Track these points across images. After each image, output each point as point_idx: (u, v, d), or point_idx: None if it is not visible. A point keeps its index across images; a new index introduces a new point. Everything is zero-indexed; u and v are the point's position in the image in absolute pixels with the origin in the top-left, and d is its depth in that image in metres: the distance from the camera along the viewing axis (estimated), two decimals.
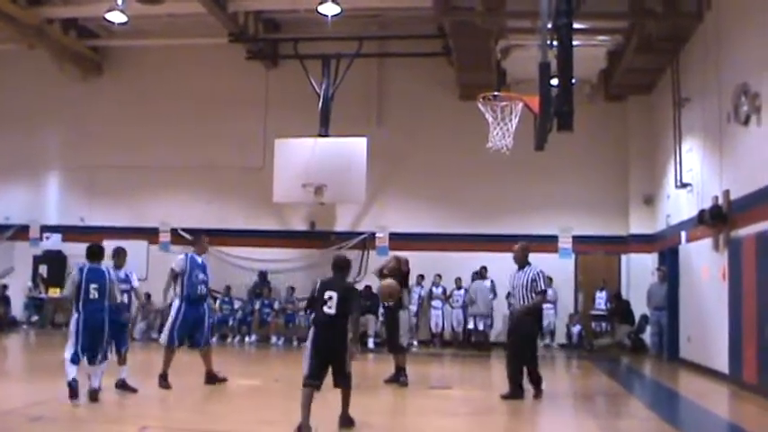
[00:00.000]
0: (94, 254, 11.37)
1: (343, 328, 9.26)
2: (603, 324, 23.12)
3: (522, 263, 12.92)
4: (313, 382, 9.11)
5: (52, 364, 16.88)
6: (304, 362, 9.21)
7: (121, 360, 12.15)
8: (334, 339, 9.26)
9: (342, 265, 9.86)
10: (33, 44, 24.51)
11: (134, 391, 12.00)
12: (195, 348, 13.06)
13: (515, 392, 12.59)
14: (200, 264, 13.21)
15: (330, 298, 9.29)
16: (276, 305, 23.76)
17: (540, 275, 12.68)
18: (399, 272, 14.46)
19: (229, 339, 23.23)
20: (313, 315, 9.58)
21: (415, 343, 21.63)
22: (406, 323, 14.58)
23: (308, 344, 9.37)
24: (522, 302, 12.75)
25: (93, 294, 10.89)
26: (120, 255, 12.79)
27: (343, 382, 9.36)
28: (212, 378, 13.09)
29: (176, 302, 13.07)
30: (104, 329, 11.02)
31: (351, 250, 23.20)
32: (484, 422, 11.38)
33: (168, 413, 10.90)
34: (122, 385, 12.07)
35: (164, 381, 12.59)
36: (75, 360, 10.80)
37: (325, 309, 9.27)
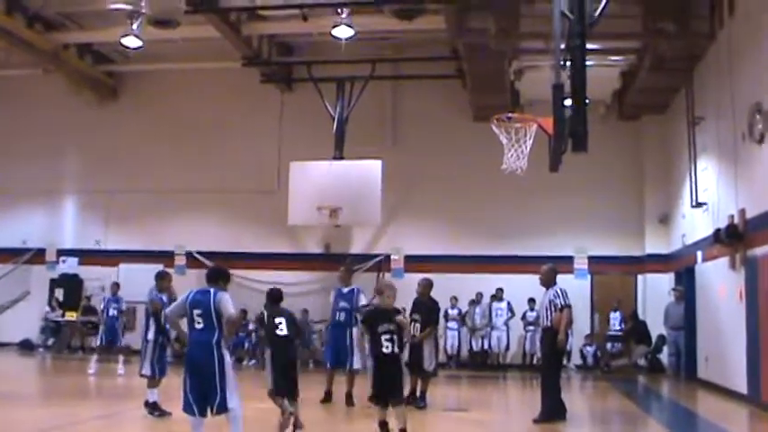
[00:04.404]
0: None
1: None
2: (617, 345, 23.03)
3: (546, 284, 12.90)
4: None
5: (69, 387, 16.98)
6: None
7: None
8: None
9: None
10: (49, 69, 24.77)
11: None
12: None
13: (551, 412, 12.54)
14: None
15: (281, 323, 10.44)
16: None
17: (559, 294, 12.61)
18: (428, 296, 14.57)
19: (245, 362, 23.18)
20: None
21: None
22: (431, 347, 14.48)
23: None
24: (544, 322, 12.79)
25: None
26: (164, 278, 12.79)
27: None
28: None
29: None
30: None
31: (366, 273, 23.19)
32: None
33: None
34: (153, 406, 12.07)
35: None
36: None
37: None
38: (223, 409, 8.61)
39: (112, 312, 19.61)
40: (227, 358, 8.82)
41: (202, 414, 8.68)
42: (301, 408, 10.65)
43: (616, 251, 23.79)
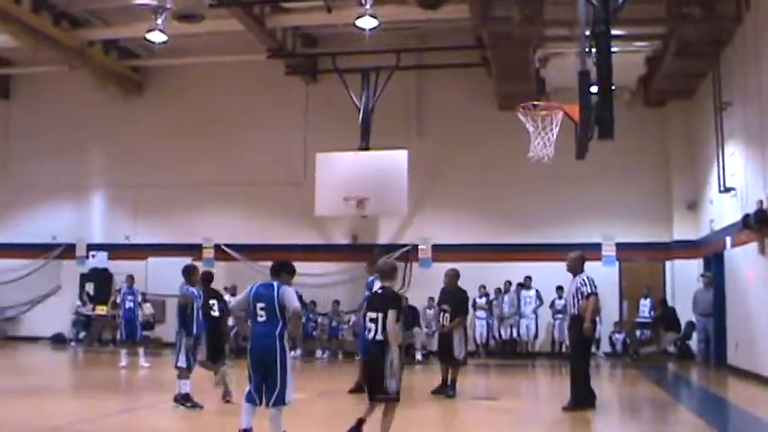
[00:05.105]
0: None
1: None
2: (646, 332, 22.96)
3: (574, 272, 12.90)
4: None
5: (101, 380, 17.15)
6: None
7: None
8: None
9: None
10: (75, 66, 24.92)
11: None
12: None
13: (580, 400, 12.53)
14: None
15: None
16: (320, 319, 23.83)
17: (585, 282, 12.61)
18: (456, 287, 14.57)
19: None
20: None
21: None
22: (461, 336, 14.50)
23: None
24: (571, 310, 12.79)
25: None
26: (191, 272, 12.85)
27: None
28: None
29: None
30: None
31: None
32: None
33: (213, 428, 10.95)
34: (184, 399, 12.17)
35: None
36: None
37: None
38: (281, 401, 8.65)
39: (129, 305, 19.72)
40: (289, 352, 8.89)
41: (260, 403, 8.78)
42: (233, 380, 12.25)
43: (644, 238, 23.64)
